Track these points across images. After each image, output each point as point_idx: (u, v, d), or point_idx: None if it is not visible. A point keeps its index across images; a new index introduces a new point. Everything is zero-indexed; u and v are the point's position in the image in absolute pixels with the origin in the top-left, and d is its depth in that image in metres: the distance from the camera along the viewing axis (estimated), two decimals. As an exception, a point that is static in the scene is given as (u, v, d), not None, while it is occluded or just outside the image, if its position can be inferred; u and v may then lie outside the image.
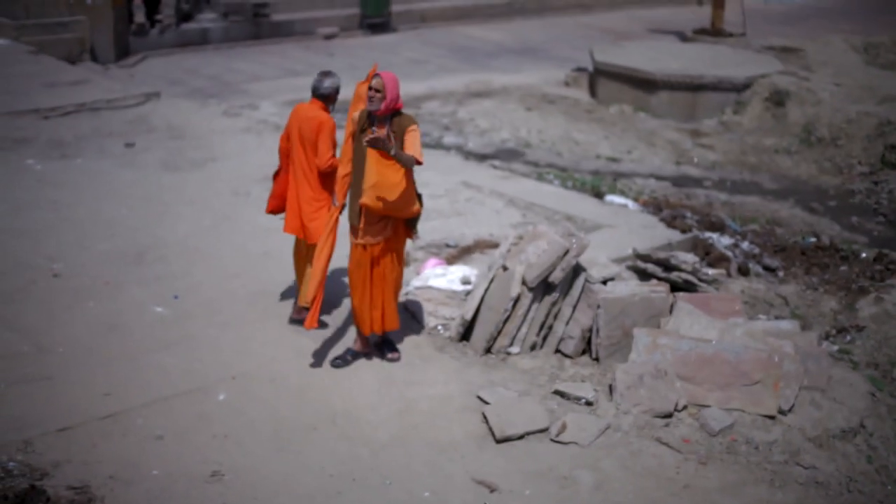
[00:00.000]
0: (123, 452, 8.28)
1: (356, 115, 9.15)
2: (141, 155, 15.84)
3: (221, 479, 8.01)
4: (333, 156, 9.84)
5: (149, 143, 16.42)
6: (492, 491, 8.09)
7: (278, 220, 11.26)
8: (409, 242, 10.75)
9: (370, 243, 9.29)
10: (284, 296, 11.10)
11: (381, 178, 8.95)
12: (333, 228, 9.32)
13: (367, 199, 9.00)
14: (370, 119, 9.05)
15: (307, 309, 9.74)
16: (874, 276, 13.18)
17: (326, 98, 9.87)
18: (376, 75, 8.89)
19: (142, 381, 9.34)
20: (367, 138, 8.72)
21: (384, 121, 9.05)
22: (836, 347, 11.16)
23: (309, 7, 27.19)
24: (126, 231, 12.75)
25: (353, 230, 9.33)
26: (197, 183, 14.70)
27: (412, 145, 9.05)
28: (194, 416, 8.85)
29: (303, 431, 8.74)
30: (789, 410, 9.48)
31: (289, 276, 11.23)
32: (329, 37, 26.46)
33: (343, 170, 9.27)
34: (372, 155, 8.95)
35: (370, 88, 8.85)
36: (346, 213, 9.45)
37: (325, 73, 9.94)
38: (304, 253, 10.29)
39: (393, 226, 9.34)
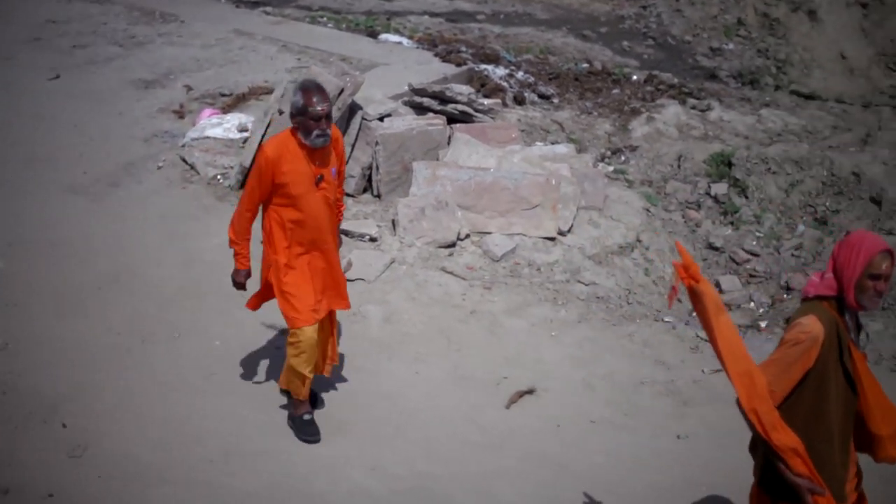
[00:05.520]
0: None
1: (817, 326, 4.88)
2: None
3: (6, 348, 7.84)
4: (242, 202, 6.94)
5: None
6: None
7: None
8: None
9: None
10: (61, 160, 10.76)
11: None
12: None
13: None
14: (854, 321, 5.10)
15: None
16: (645, 98, 13.55)
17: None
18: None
19: (-89, 257, 9.03)
20: None
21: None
22: (611, 168, 11.48)
23: None
24: None
25: None
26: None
27: None
28: (-29, 287, 8.60)
29: (88, 293, 8.61)
30: (568, 231, 9.77)
31: (67, 141, 10.90)
32: None
33: (790, 439, 4.89)
34: (872, 384, 5.14)
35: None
36: None
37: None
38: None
39: None
